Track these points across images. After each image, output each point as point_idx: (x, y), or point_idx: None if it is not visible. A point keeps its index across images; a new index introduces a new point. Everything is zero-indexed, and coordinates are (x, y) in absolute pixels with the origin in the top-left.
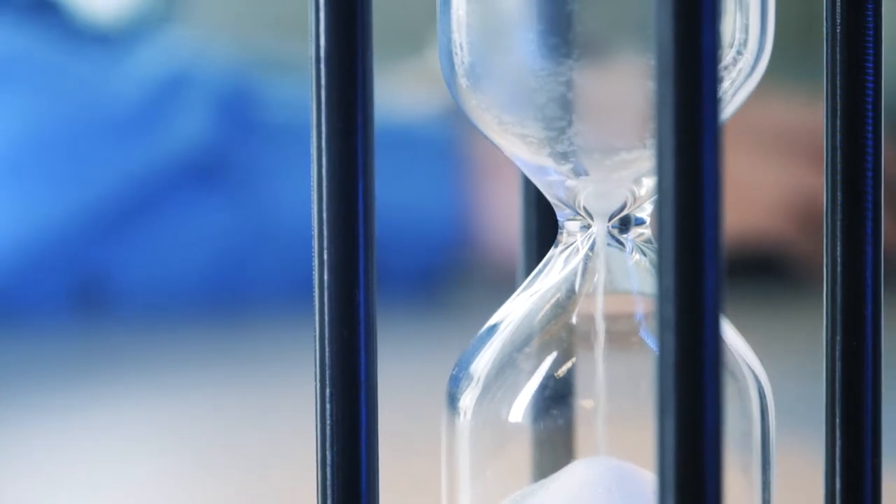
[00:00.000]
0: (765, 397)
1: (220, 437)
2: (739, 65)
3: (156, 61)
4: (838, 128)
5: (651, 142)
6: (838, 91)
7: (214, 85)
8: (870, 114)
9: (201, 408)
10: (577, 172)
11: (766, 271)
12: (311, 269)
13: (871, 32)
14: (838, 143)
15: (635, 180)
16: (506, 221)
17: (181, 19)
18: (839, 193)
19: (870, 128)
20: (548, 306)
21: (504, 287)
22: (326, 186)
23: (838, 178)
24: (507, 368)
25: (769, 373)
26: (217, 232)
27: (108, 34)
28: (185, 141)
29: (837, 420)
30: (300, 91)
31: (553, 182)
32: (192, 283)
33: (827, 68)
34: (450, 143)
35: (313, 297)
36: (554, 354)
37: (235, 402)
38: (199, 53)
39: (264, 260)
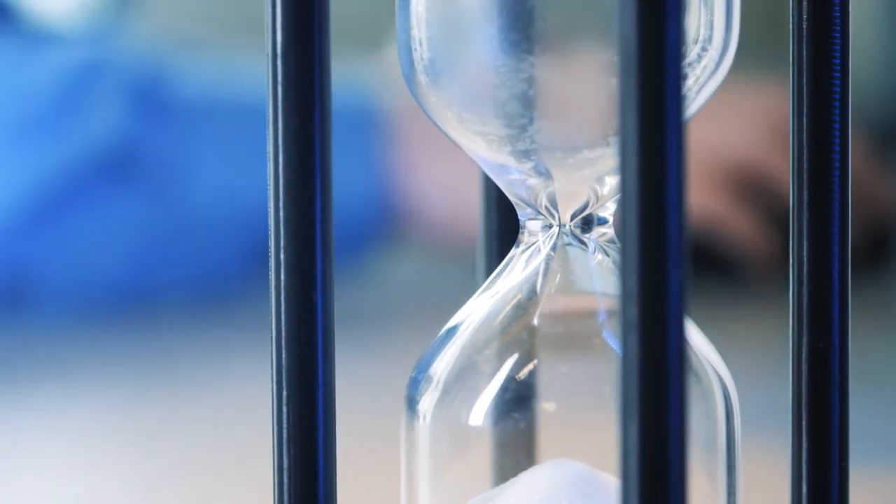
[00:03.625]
0: (730, 399)
1: (153, 441)
2: (704, 61)
3: (66, 54)
4: (804, 126)
5: (614, 140)
6: (804, 89)
7: (127, 74)
8: (836, 112)
9: (126, 410)
10: (539, 171)
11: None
12: (233, 259)
13: (837, 29)
14: (804, 142)
15: (598, 179)
16: (435, 190)
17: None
18: (805, 192)
19: (836, 126)
20: (509, 307)
21: (434, 258)
22: (283, 185)
23: (804, 176)
24: (467, 371)
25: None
26: (136, 225)
27: (23, 29)
28: (100, 133)
29: (804, 423)
30: (217, 76)
31: (514, 181)
32: (112, 279)
33: (793, 65)
34: (372, 112)
35: (269, 298)
36: (515, 356)
37: (162, 402)
38: (109, 43)
39: (185, 252)
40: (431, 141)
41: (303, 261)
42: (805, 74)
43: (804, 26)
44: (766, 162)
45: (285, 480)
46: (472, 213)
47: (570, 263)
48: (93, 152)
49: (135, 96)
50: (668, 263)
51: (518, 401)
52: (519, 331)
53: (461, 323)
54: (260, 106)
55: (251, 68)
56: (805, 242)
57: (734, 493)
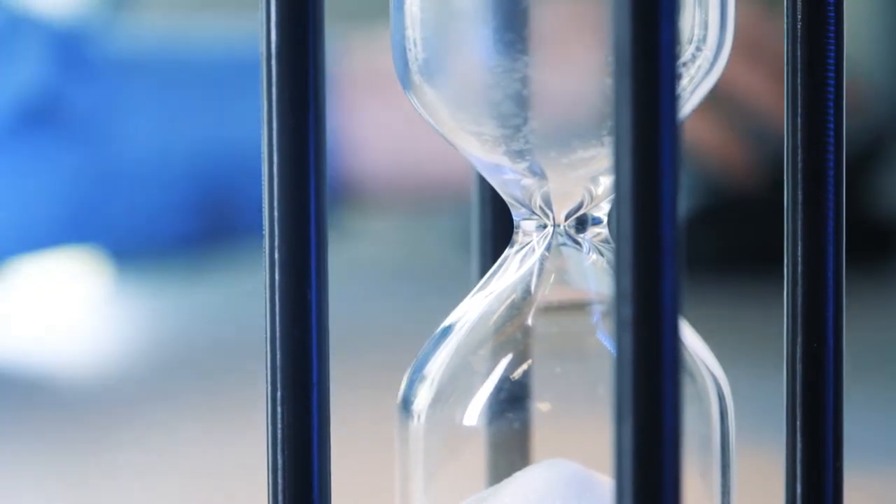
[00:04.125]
0: (724, 399)
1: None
2: (698, 61)
3: None
4: (799, 126)
5: (608, 140)
6: (799, 88)
7: (52, 28)
8: (831, 111)
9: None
10: (533, 171)
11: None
12: (168, 210)
13: (832, 28)
14: (799, 142)
15: (592, 179)
16: (380, 142)
17: None
18: (800, 192)
19: (831, 125)
20: (503, 307)
21: (381, 215)
22: (278, 185)
23: (799, 176)
24: (461, 371)
25: (728, 374)
26: (61, 178)
27: None
28: (20, 84)
29: (798, 423)
30: (142, 27)
31: (508, 181)
32: (41, 233)
33: (788, 65)
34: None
35: (264, 297)
36: (509, 356)
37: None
38: None
39: (113, 205)
40: (374, 92)
41: (297, 260)
42: (800, 74)
43: (798, 26)
44: (738, 79)
45: (279, 481)
46: (418, 164)
47: (565, 263)
48: (13, 103)
49: (59, 49)
50: (663, 263)
51: (512, 401)
52: (513, 331)
53: (456, 323)
54: (192, 61)
55: (186, 25)
56: (800, 242)
57: (728, 493)
